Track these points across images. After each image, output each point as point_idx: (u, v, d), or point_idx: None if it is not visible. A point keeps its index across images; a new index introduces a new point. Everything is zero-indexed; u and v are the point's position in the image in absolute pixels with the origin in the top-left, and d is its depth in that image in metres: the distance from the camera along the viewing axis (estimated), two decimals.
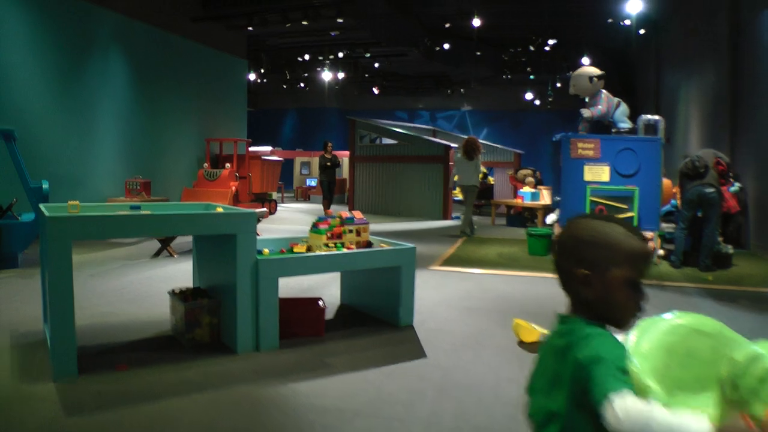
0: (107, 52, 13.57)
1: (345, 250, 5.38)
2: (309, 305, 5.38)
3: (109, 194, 13.58)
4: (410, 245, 5.61)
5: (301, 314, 5.24)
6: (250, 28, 18.13)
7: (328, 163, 16.21)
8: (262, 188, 17.39)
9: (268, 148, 22.13)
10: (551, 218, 10.40)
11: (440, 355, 4.88)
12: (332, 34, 21.08)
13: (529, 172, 18.63)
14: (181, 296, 5.22)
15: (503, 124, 32.29)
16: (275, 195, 18.62)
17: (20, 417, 3.61)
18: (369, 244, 5.70)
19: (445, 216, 17.22)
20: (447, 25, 22.19)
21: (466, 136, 13.67)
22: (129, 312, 6.09)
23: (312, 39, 22.28)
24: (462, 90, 30.75)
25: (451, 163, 17.09)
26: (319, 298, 5.52)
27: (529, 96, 30.05)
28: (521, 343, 5.15)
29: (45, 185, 8.58)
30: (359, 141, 19.18)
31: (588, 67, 10.26)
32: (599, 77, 9.78)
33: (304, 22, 17.16)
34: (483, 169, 16.52)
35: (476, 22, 18.82)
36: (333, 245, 5.45)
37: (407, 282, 5.52)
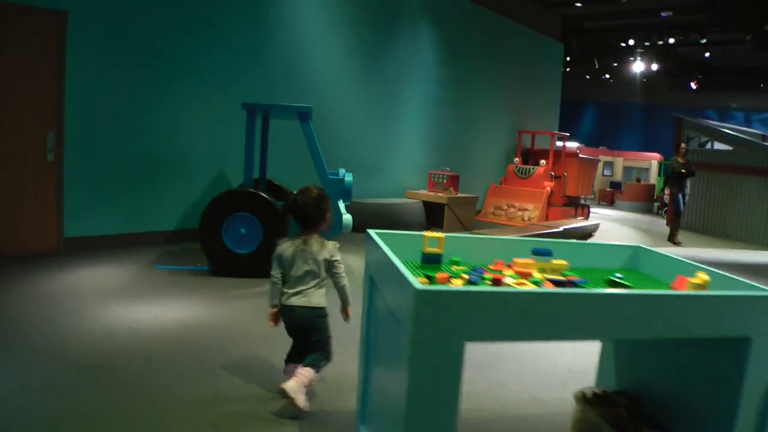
0: (416, 27, 11.51)
1: None
2: None
3: (408, 186, 11.54)
4: None
5: None
6: (579, 4, 15.05)
7: (683, 170, 12.43)
8: (576, 191, 14.41)
9: (575, 144, 18.99)
10: None
11: None
12: (664, 15, 17.36)
13: None
14: (601, 408, 2.82)
15: None
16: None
17: None
18: None
19: None
20: None
21: None
22: (502, 402, 3.68)
23: (635, 22, 18.68)
24: None
25: None
26: None
27: None
28: None
29: (348, 177, 6.49)
30: (687, 143, 15.52)
31: None
32: None
33: None
34: None
35: None
36: None
37: None
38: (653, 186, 21.94)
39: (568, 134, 14.80)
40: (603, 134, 28.77)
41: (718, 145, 15.77)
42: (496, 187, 13.79)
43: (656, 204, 20.64)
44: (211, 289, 5.49)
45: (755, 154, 13.96)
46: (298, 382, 3.18)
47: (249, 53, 8.22)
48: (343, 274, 3.44)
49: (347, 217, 6.37)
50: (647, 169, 23.14)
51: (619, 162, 24.10)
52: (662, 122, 27.87)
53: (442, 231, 11.50)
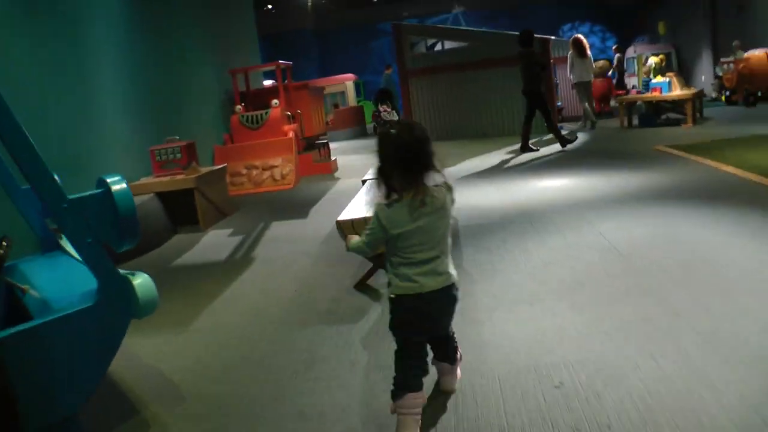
0: None
1: None
2: None
3: (128, 178, 7.25)
4: None
5: None
6: None
7: (537, 62, 9.58)
8: (313, 130, 11.41)
9: (269, 82, 15.52)
10: None
11: None
12: None
13: (605, 63, 14.70)
14: None
15: (503, 23, 25.73)
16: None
17: None
18: None
19: None
20: None
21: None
22: None
23: None
24: None
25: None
26: None
27: None
28: None
29: (118, 186, 2.53)
30: (411, 51, 13.51)
31: None
32: None
33: None
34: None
35: None
36: None
37: None
38: (360, 108, 19.79)
39: (290, 62, 11.50)
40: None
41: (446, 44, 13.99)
42: (223, 149, 10.14)
43: (373, 124, 18.50)
44: None
45: (494, 44, 12.24)
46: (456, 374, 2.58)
47: None
48: None
49: (144, 282, 2.46)
50: (343, 93, 20.78)
51: None
52: (339, 44, 25.92)
53: (201, 226, 7.62)
